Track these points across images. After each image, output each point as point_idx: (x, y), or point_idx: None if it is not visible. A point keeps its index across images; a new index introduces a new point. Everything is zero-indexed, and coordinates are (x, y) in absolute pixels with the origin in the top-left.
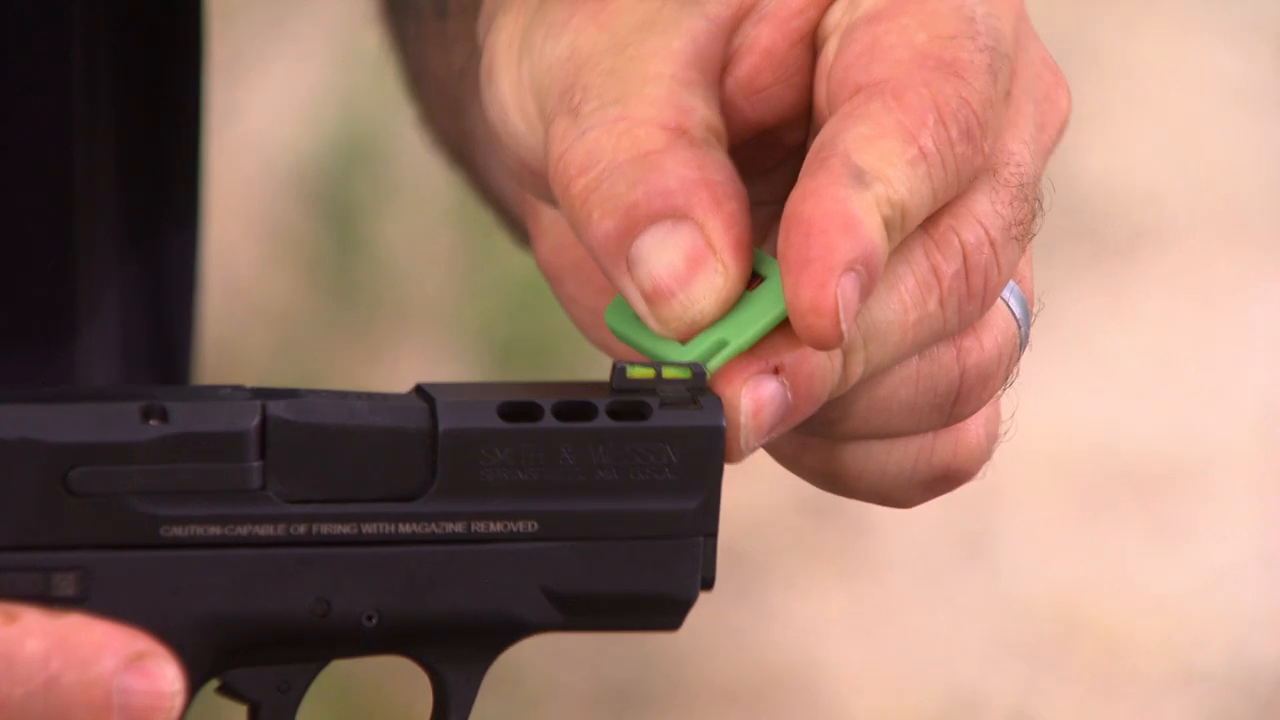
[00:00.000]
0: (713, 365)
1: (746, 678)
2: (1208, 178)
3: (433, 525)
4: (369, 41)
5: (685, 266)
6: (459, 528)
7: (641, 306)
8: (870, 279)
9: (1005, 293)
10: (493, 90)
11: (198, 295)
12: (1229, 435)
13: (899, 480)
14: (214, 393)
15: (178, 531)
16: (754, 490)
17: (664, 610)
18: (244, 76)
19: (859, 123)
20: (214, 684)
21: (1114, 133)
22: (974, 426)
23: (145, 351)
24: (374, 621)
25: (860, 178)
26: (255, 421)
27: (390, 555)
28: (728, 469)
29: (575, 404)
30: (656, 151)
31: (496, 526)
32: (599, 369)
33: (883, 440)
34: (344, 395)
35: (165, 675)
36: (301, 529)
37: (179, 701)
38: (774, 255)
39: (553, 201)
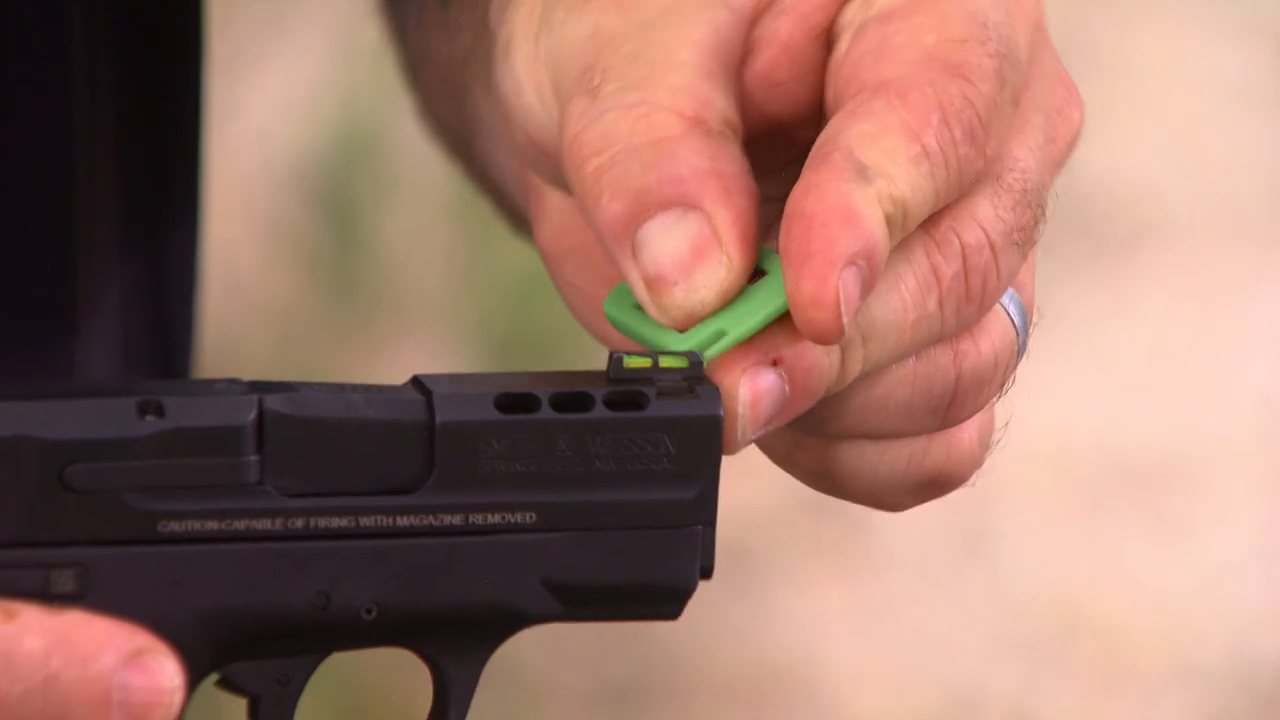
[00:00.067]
0: (710, 355)
1: (746, 675)
2: (1208, 175)
3: (430, 517)
4: (368, 38)
5: (690, 255)
6: (457, 520)
7: (642, 292)
8: (872, 274)
9: (1005, 299)
10: (508, 65)
11: (198, 293)
12: (1229, 433)
13: (891, 482)
14: (209, 387)
15: (175, 527)
16: (754, 487)
17: (664, 600)
18: (244, 74)
19: (863, 119)
20: (213, 678)
21: (1114, 130)
22: (967, 432)
23: (146, 351)
24: (374, 614)
25: (863, 173)
26: (252, 416)
27: (389, 548)
28: (729, 466)
29: (572, 395)
30: (672, 139)
31: (494, 518)
32: (598, 364)
33: (876, 441)
34: (340, 388)
35: (165, 671)
36: (299, 523)
37: (179, 697)
38: (777, 251)
39: (559, 182)
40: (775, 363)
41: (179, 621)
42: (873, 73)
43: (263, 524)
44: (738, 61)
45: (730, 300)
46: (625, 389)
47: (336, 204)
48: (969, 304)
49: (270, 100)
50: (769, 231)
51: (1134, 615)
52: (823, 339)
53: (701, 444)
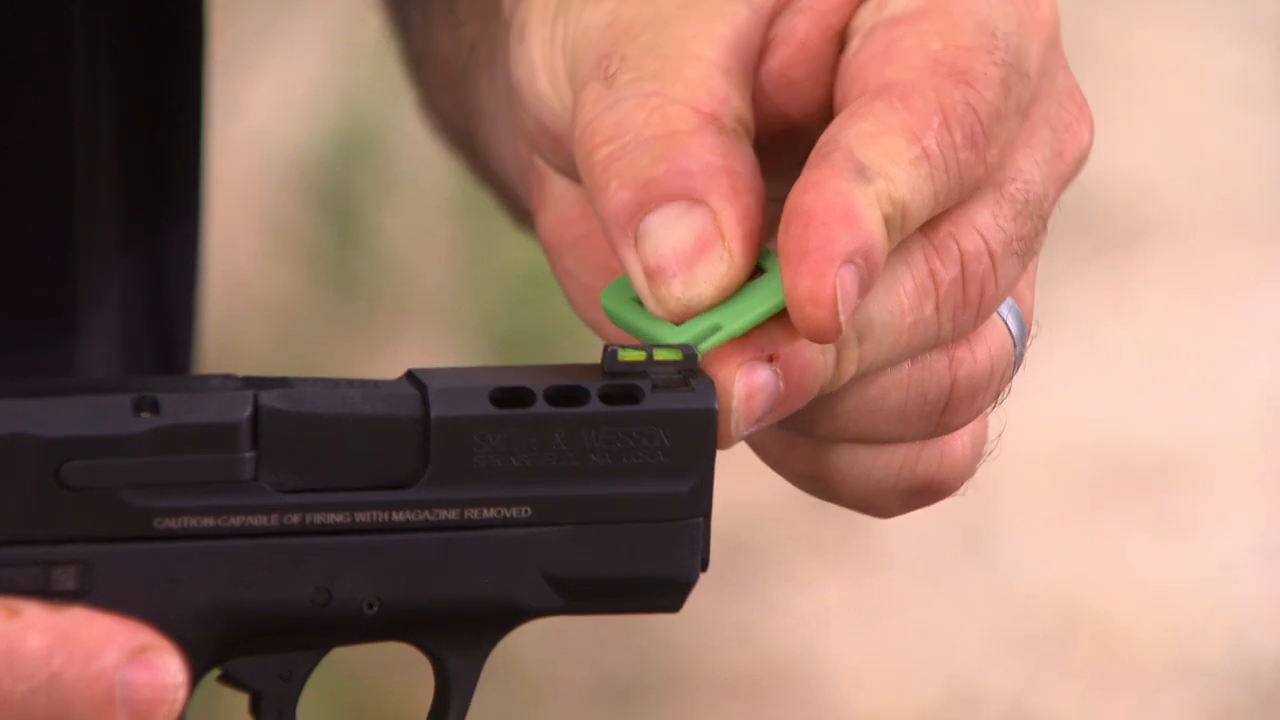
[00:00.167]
0: (704, 348)
1: (746, 671)
2: (1208, 174)
3: (426, 512)
4: (369, 35)
5: (692, 249)
6: (453, 514)
7: (641, 282)
8: (869, 273)
9: (1003, 309)
10: (522, 50)
11: (199, 292)
12: (1229, 429)
13: (882, 487)
14: (205, 383)
15: (171, 524)
16: (755, 484)
17: (664, 592)
18: (244, 71)
19: (864, 120)
20: (215, 674)
21: (1115, 128)
22: (960, 441)
23: (146, 350)
24: (375, 609)
25: (862, 173)
26: (247, 412)
27: (385, 543)
28: (730, 463)
29: (567, 389)
30: (685, 133)
31: (490, 513)
32: (598, 360)
33: (869, 446)
34: (335, 383)
35: (168, 668)
36: (295, 519)
37: (182, 694)
38: (778, 251)
39: (565, 170)
40: (771, 359)
41: (178, 618)
42: (877, 75)
43: (258, 520)
44: (755, 60)
45: (728, 297)
46: (620, 383)
47: (337, 201)
48: (966, 310)
49: (270, 98)
50: (770, 232)
51: (1134, 613)
52: (819, 337)
53: (696, 437)
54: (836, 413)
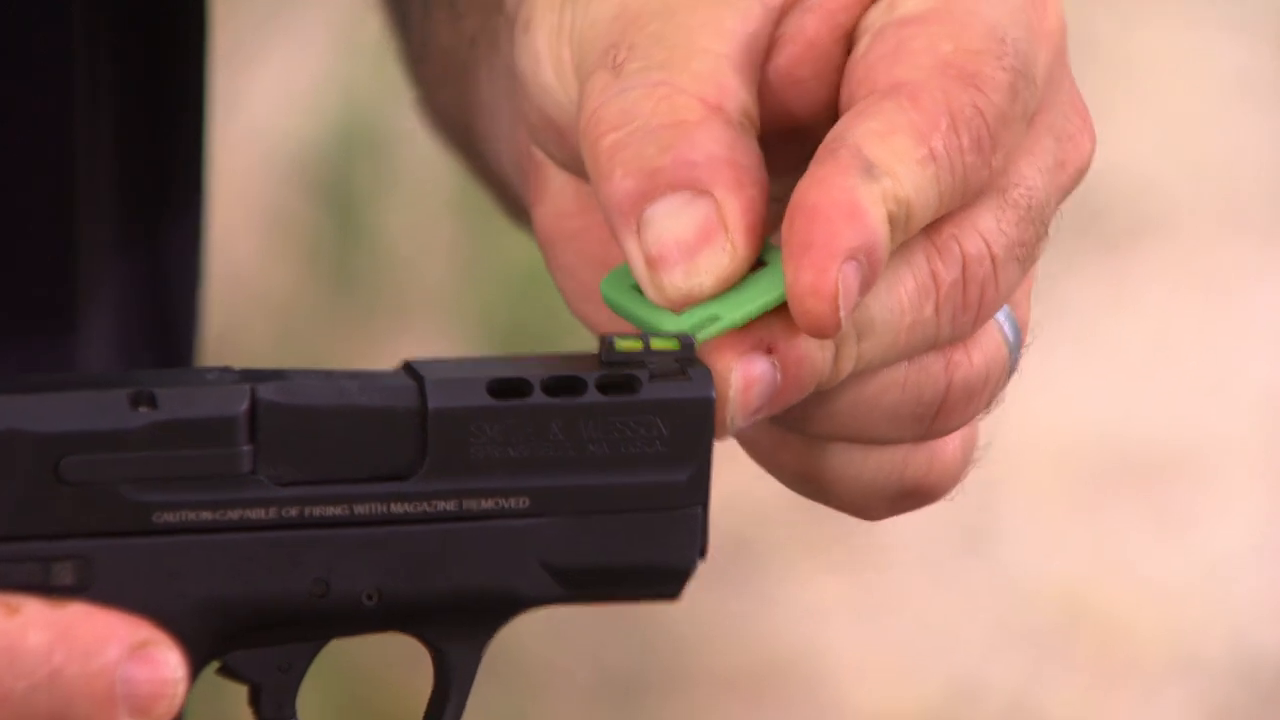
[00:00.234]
0: (702, 338)
1: (747, 666)
2: (1209, 170)
3: (424, 504)
4: (369, 31)
5: (695, 238)
6: (451, 506)
7: (642, 270)
8: (871, 270)
9: (1000, 316)
10: (528, 40)
11: (200, 291)
12: (1231, 426)
13: (872, 489)
14: (201, 376)
15: (169, 518)
16: (755, 480)
17: (663, 580)
18: (245, 66)
19: (871, 119)
20: (214, 666)
21: (1115, 126)
22: (950, 445)
23: (147, 350)
24: (374, 600)
25: (869, 170)
26: (244, 405)
27: (384, 535)
28: (730, 458)
29: (564, 379)
30: (691, 123)
31: (488, 503)
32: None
33: (860, 446)
34: (331, 375)
35: (169, 663)
36: (293, 512)
37: (183, 688)
38: (779, 246)
39: (566, 163)
40: (769, 351)
41: (178, 612)
42: (886, 75)
43: (257, 514)
44: (763, 55)
45: (729, 288)
46: (617, 372)
47: (338, 196)
48: (965, 313)
49: (271, 93)
50: (775, 229)
51: (1135, 608)
52: (819, 331)
53: (694, 426)
54: (831, 410)
